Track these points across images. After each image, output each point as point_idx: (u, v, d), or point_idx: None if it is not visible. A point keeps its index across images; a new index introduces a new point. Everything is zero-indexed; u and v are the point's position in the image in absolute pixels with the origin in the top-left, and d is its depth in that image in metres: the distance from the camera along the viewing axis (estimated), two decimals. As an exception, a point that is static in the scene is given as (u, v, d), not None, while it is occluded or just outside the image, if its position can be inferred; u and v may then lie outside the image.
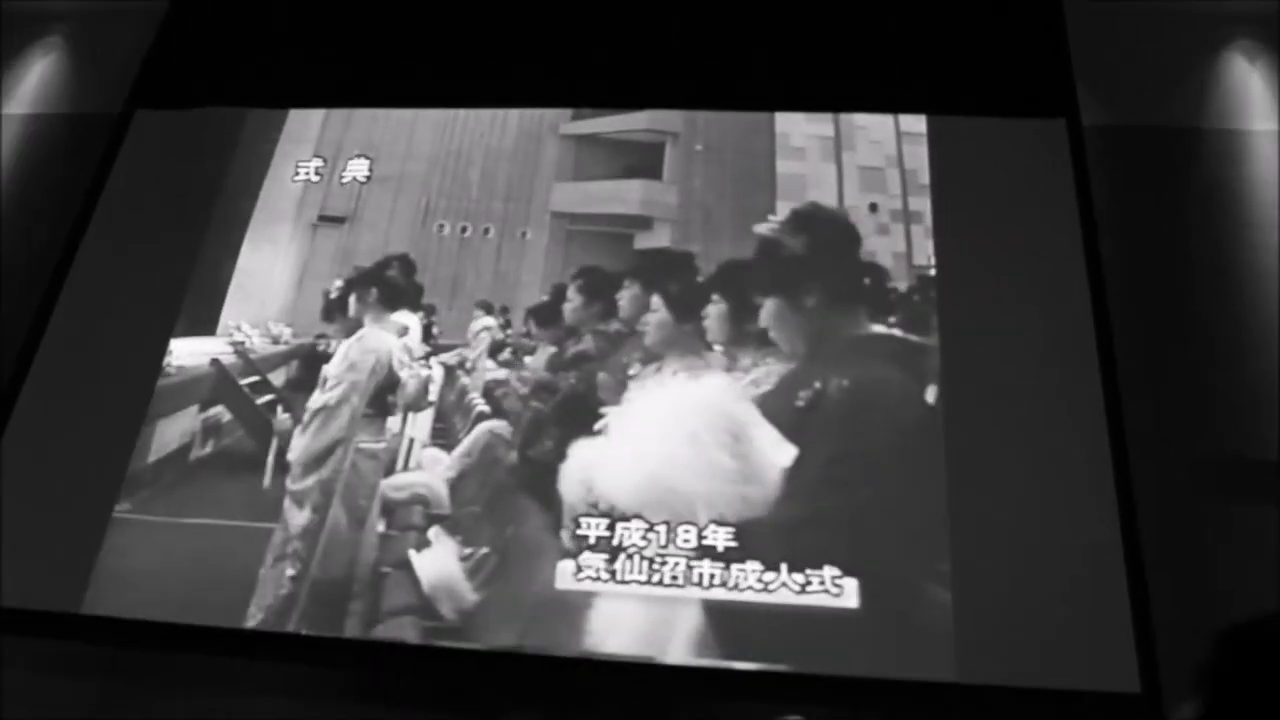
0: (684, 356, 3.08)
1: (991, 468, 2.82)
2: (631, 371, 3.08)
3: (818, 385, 2.92)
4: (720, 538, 2.79)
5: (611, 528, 2.83)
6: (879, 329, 3.06)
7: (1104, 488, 2.74)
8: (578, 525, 2.85)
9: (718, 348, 3.07)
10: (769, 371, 2.98)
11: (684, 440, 2.93)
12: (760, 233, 3.25)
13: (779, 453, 2.86)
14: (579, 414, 3.03)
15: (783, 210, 3.29)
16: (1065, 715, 2.56)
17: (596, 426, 2.99)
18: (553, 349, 3.20)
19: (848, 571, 2.71)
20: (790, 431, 2.87)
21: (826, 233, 3.24)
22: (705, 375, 3.04)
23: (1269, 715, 0.94)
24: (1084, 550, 2.69)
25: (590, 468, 2.93)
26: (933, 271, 3.12)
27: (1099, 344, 2.93)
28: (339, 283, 3.39)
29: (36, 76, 4.02)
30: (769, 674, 2.64)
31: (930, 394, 2.93)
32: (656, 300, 3.18)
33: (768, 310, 3.09)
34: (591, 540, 2.82)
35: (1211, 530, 2.81)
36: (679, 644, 2.70)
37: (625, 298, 3.22)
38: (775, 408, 2.92)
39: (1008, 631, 2.61)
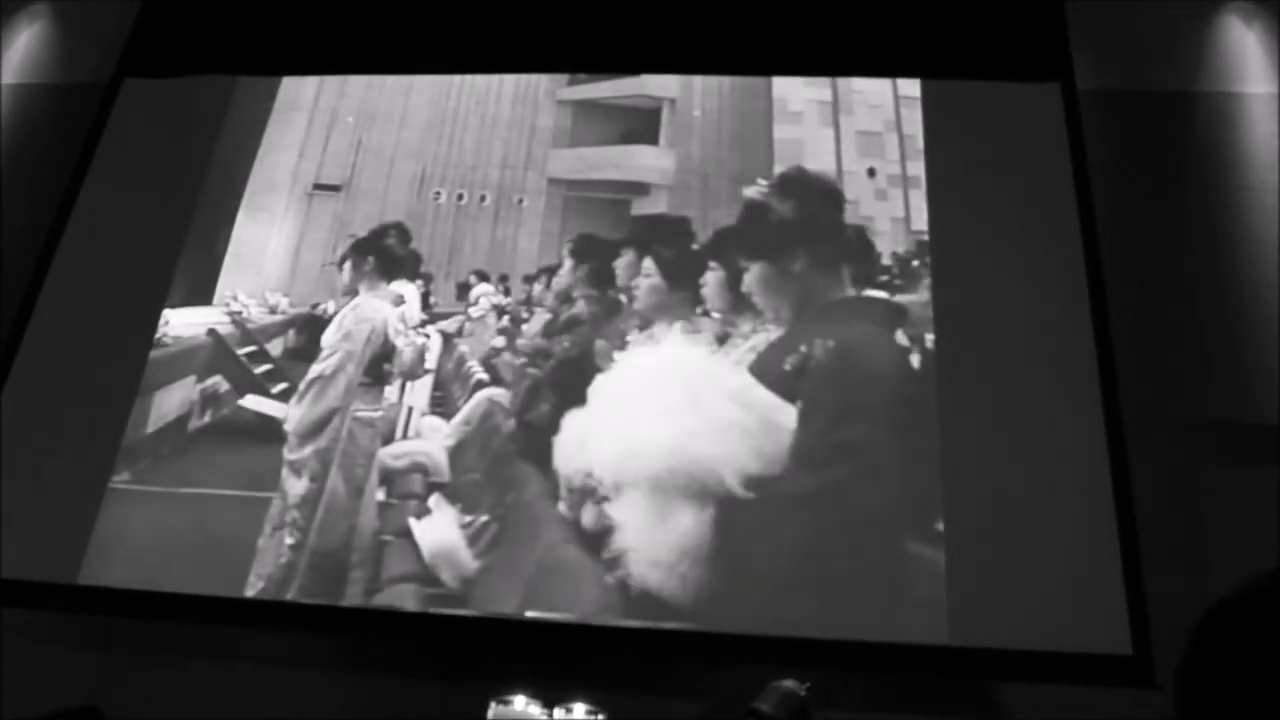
0: (675, 322, 3.08)
1: (985, 431, 2.83)
2: (629, 338, 3.09)
3: (803, 349, 2.93)
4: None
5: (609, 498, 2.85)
6: (864, 292, 3.06)
7: (1098, 451, 2.76)
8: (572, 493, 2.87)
9: (716, 314, 3.07)
10: (768, 338, 2.99)
11: (688, 406, 2.94)
12: (749, 196, 3.25)
13: (782, 414, 2.87)
14: (575, 378, 3.04)
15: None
16: (1057, 677, 2.58)
17: (588, 395, 3.00)
18: (548, 315, 3.20)
19: (841, 535, 2.73)
20: (781, 395, 2.89)
21: (814, 196, 3.23)
22: (692, 342, 3.05)
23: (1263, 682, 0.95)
24: (1077, 513, 2.71)
25: (589, 446, 2.94)
26: (928, 236, 3.12)
27: (1093, 308, 2.93)
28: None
29: (23, 46, 3.97)
30: (763, 638, 2.67)
31: (915, 356, 2.94)
32: (649, 264, 3.17)
33: (753, 275, 3.09)
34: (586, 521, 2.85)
35: (1205, 494, 2.83)
36: (672, 610, 2.73)
37: (621, 264, 3.22)
38: (764, 373, 2.93)
39: (1000, 594, 2.64)
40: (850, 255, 3.12)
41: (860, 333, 2.97)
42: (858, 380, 2.89)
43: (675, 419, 2.91)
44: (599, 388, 3.01)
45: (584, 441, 2.93)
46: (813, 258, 3.11)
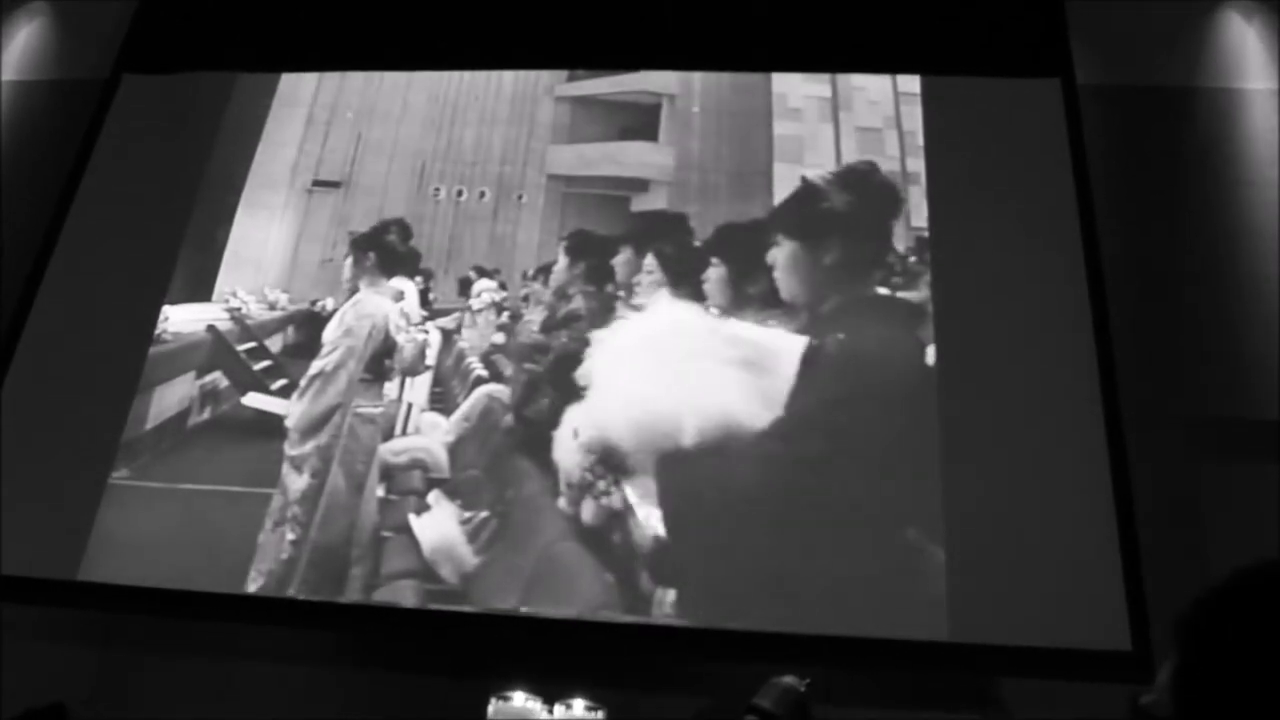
0: (662, 288, 3.11)
1: (985, 427, 2.84)
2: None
3: (813, 342, 2.93)
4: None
5: (609, 493, 2.85)
6: (883, 291, 3.06)
7: (1097, 447, 2.76)
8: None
9: (715, 310, 3.07)
10: (770, 333, 3.00)
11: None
12: (809, 177, 3.24)
13: (790, 341, 2.91)
14: (572, 373, 3.04)
15: (827, 166, 3.27)
16: (1056, 673, 2.59)
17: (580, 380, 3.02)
18: (546, 312, 3.20)
19: (843, 530, 2.73)
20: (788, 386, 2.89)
21: (873, 195, 3.21)
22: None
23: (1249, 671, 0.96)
24: (1077, 508, 2.71)
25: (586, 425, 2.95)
26: (928, 233, 3.12)
27: (1093, 305, 2.93)
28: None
29: (22, 43, 3.97)
30: (762, 634, 2.67)
31: (929, 355, 2.94)
32: (651, 261, 3.18)
33: (784, 250, 3.09)
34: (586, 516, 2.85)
35: (1205, 490, 2.84)
36: (671, 605, 2.73)
37: (620, 261, 3.22)
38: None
39: (1000, 590, 2.64)
40: (884, 259, 3.10)
41: (875, 330, 2.97)
42: (867, 373, 2.89)
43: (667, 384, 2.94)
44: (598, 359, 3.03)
45: (585, 426, 2.94)
46: (847, 254, 3.09)
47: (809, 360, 2.89)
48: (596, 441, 2.90)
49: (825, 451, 2.81)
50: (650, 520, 2.79)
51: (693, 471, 2.84)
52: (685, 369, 2.96)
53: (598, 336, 3.07)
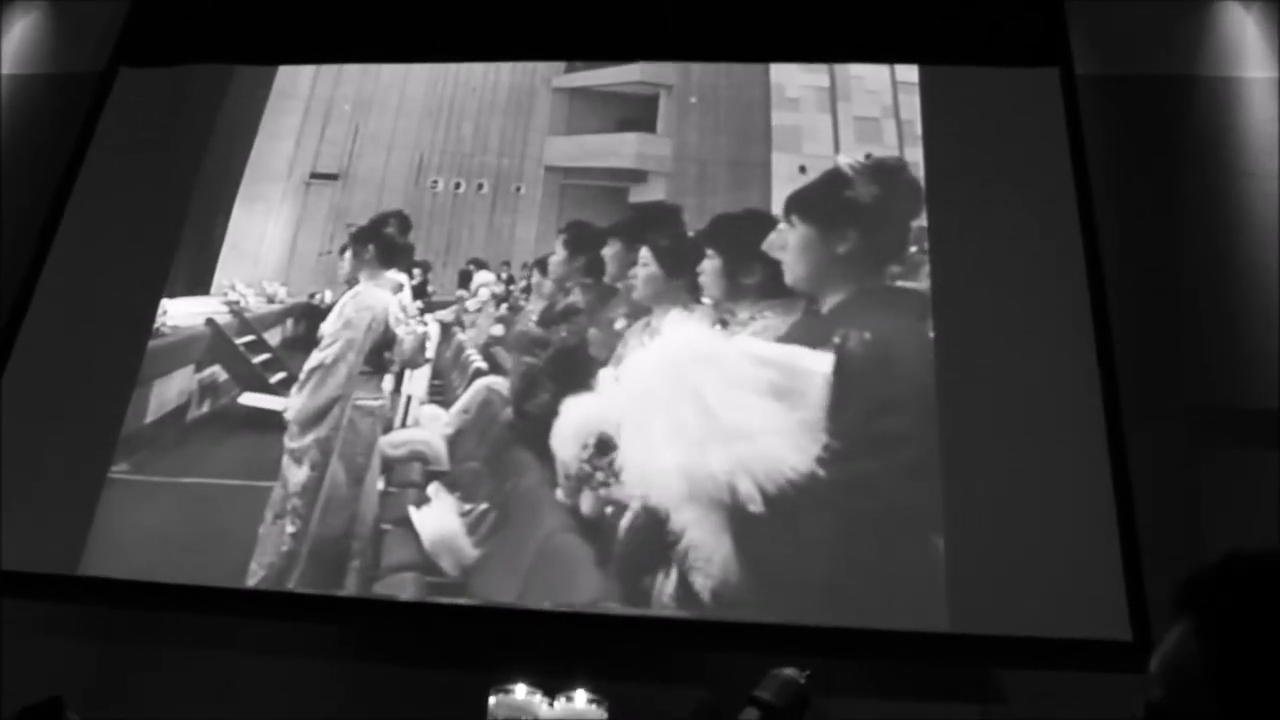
0: (671, 310, 3.07)
1: (984, 417, 2.84)
2: (618, 326, 3.08)
3: (836, 340, 2.91)
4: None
5: (607, 484, 2.85)
6: (890, 284, 3.05)
7: (1097, 437, 2.76)
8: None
9: (707, 300, 3.06)
10: (766, 325, 2.98)
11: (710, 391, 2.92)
12: (840, 163, 3.22)
13: (817, 361, 2.87)
14: (571, 368, 3.04)
15: (860, 152, 3.24)
16: (1057, 663, 2.59)
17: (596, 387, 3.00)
18: (545, 304, 3.20)
19: (843, 522, 2.73)
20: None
21: (897, 194, 3.17)
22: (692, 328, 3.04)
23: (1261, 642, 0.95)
24: (1076, 498, 2.71)
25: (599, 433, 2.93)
26: (925, 222, 3.11)
27: (1092, 294, 2.93)
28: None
29: (17, 36, 3.95)
30: (764, 626, 2.67)
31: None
32: (646, 254, 3.17)
33: (798, 232, 3.08)
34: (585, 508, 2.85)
35: (1205, 479, 2.84)
36: (671, 597, 2.73)
37: (608, 254, 3.21)
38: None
39: (1000, 580, 2.64)
40: (896, 256, 3.08)
41: (884, 324, 2.94)
42: (892, 373, 2.87)
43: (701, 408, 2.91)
44: (607, 384, 3.00)
45: (589, 427, 2.93)
46: (862, 246, 3.07)
47: (839, 373, 2.86)
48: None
49: (862, 466, 2.79)
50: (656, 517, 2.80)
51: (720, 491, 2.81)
52: (720, 403, 2.90)
53: (620, 373, 3.01)
